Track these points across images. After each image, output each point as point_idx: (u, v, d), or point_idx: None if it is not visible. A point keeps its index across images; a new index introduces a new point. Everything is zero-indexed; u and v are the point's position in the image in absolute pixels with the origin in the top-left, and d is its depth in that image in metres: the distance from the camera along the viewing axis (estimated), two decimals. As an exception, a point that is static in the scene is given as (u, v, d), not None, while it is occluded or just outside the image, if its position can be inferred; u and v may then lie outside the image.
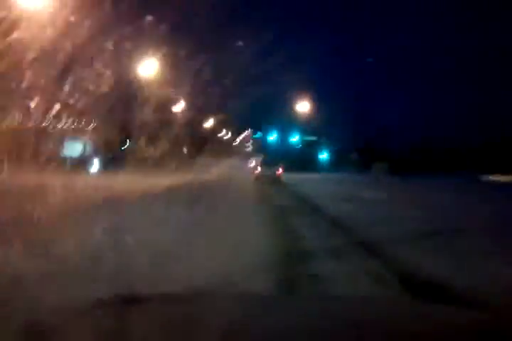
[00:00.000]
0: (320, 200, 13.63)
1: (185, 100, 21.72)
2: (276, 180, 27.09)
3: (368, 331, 1.21)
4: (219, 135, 44.80)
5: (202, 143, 34.60)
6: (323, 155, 39.38)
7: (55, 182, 9.44)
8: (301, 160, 37.56)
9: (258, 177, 28.43)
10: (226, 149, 49.93)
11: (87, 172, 20.53)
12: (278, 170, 31.28)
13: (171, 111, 20.70)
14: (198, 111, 23.54)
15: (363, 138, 39.78)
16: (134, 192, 12.03)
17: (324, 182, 26.28)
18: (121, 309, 1.35)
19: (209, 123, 37.42)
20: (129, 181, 14.50)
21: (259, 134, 51.29)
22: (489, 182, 30.16)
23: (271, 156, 36.40)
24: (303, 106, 27.67)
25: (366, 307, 1.51)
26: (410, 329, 1.23)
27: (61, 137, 22.13)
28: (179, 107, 22.57)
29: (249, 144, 55.05)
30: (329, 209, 11.01)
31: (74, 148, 21.53)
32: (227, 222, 7.38)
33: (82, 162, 20.69)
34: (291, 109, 28.17)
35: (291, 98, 25.99)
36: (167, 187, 14.51)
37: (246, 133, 52.20)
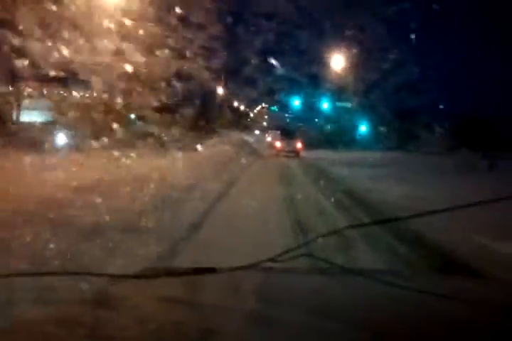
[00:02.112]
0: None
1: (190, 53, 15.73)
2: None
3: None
4: (233, 105, 38.55)
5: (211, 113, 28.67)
6: (362, 128, 30.77)
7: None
8: (334, 134, 30.66)
9: (279, 152, 25.72)
10: (239, 122, 43.91)
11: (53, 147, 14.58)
12: (297, 146, 25.47)
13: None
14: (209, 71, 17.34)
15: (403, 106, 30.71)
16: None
17: (390, 173, 14.23)
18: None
19: (219, 89, 30.56)
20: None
21: (276, 108, 44.83)
22: None
23: (291, 129, 29.19)
24: (336, 62, 21.09)
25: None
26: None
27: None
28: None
29: (265, 117, 48.88)
30: None
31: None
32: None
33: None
34: (321, 64, 21.69)
35: (322, 50, 19.76)
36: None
37: (262, 104, 46.06)
